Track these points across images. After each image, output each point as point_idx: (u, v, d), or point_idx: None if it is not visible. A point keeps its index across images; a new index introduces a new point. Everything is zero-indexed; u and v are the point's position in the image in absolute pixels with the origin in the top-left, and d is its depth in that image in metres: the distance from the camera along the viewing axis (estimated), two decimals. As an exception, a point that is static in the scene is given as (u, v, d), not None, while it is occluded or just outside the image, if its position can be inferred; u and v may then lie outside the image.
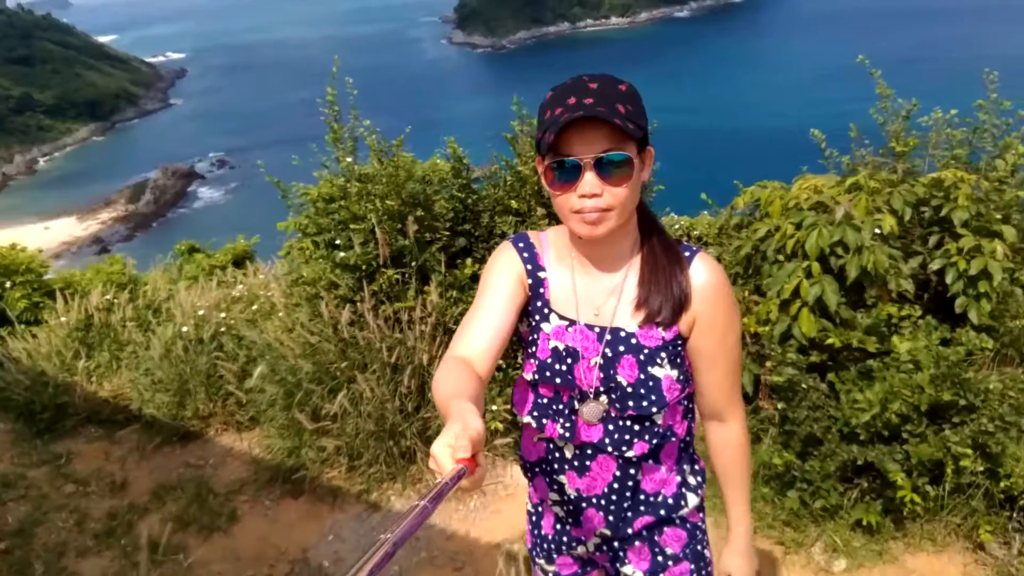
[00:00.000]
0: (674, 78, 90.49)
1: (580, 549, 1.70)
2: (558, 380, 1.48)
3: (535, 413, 1.55)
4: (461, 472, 0.97)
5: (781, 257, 3.52)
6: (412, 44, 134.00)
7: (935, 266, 3.35)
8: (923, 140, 4.01)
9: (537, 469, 1.66)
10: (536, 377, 1.52)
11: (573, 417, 1.50)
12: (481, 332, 1.43)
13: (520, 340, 1.61)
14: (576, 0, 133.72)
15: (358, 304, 4.09)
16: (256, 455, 4.45)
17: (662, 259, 1.46)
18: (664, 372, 1.44)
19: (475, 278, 4.37)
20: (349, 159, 4.33)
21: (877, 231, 3.27)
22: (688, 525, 1.65)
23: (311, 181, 4.61)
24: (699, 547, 1.67)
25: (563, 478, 1.59)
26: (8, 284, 6.08)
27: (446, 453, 0.99)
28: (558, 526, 1.70)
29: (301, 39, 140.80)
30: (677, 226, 5.92)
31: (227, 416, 4.78)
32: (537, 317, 1.52)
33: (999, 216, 3.46)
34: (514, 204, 4.73)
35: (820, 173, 4.30)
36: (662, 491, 1.59)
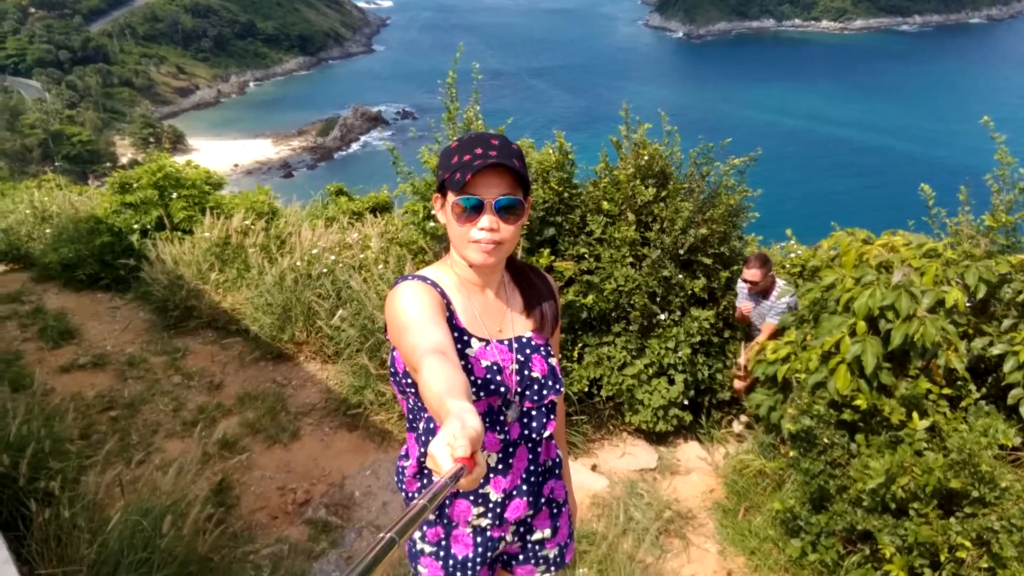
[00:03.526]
0: (871, 92, 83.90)
1: (501, 546, 1.87)
2: (503, 389, 1.69)
3: None
4: (459, 471, 0.98)
5: (840, 309, 3.47)
6: (605, 21, 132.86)
7: (995, 351, 3.16)
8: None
9: (455, 496, 1.75)
10: (480, 395, 1.64)
11: (505, 423, 1.72)
12: (441, 335, 1.46)
13: None
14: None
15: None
16: (330, 386, 4.96)
17: (534, 278, 1.82)
18: (555, 360, 1.78)
19: (549, 269, 4.57)
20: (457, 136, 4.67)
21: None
22: (562, 477, 1.96)
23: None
24: (566, 491, 1.97)
25: (488, 488, 1.78)
26: (175, 195, 7.00)
27: (445, 452, 1.01)
28: (478, 539, 1.80)
29: (497, 5, 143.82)
30: (793, 254, 5.66)
31: (317, 347, 5.34)
32: (459, 345, 1.63)
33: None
34: (606, 205, 4.87)
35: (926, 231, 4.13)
36: (550, 457, 1.87)
